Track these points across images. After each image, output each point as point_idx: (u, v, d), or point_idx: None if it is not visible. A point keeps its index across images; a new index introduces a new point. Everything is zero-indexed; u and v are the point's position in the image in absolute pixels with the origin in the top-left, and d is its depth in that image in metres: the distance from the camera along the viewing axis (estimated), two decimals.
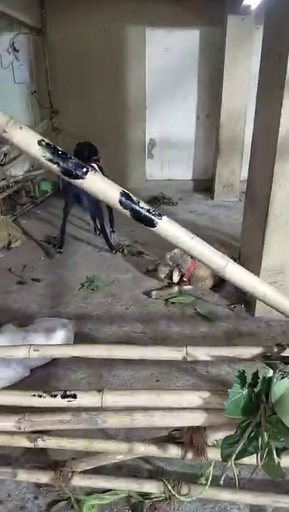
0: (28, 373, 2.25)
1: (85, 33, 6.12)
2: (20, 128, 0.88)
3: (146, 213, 1.00)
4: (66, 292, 3.27)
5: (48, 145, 0.90)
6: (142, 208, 0.99)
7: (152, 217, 1.00)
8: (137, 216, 0.99)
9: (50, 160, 0.90)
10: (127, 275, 3.59)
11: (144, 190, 6.72)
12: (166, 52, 6.26)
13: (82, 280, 3.48)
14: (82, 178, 0.93)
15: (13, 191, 4.97)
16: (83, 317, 2.91)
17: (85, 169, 0.93)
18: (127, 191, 0.98)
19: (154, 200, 6.04)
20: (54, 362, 2.37)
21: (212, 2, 5.70)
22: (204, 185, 6.78)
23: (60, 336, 2.35)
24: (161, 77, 6.37)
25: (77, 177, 0.93)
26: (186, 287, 3.30)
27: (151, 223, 1.01)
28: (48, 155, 0.90)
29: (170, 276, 3.31)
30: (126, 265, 3.82)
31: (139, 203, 0.99)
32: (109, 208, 4.33)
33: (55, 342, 2.33)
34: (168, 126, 6.68)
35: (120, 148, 6.77)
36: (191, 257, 2.92)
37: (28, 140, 0.89)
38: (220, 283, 3.29)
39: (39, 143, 0.89)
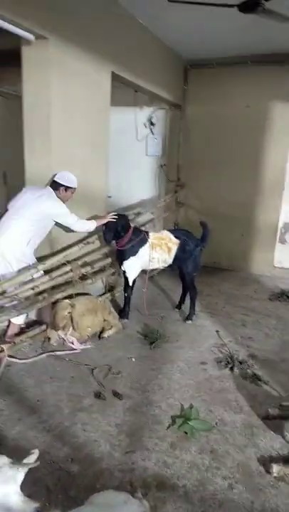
0: None
1: (225, 109, 5.80)
2: None
3: None
4: (150, 429, 2.40)
5: None
6: None
7: None
8: None
9: None
10: (237, 416, 2.57)
11: (270, 279, 5.75)
12: None
13: (175, 410, 2.59)
14: None
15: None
16: (164, 486, 1.98)
17: None
18: None
19: (282, 296, 4.95)
20: None
21: None
22: None
23: None
24: None
25: None
26: None
27: None
28: None
29: None
30: (236, 396, 2.81)
31: None
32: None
33: None
34: None
35: (247, 228, 6.02)
36: None
37: None
38: None
39: None
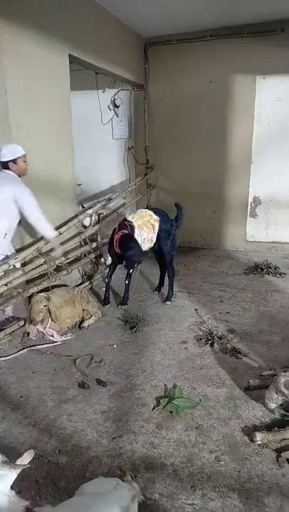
0: None
1: (187, 86, 5.73)
2: None
3: None
4: (135, 412, 2.43)
5: None
6: None
7: None
8: None
9: None
10: (220, 391, 2.63)
11: (244, 253, 5.85)
12: (279, 102, 5.47)
13: (158, 391, 2.63)
14: None
15: (95, 255, 4.47)
16: (152, 467, 2.02)
17: None
18: None
19: (257, 269, 5.04)
20: None
21: None
22: None
23: None
24: (272, 129, 5.57)
25: None
26: None
27: None
28: None
29: (286, 408, 2.27)
30: (218, 371, 2.87)
31: None
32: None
33: None
34: (277, 183, 5.75)
35: (218, 205, 6.06)
36: None
37: None
38: None
39: None
